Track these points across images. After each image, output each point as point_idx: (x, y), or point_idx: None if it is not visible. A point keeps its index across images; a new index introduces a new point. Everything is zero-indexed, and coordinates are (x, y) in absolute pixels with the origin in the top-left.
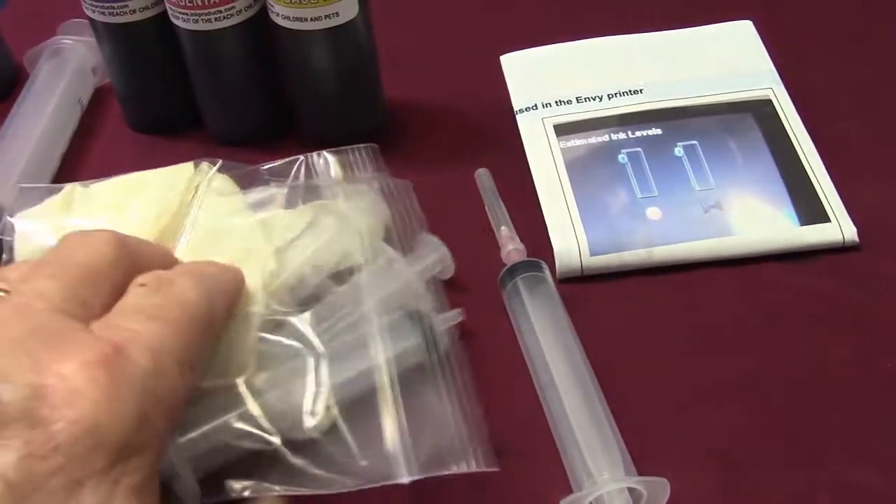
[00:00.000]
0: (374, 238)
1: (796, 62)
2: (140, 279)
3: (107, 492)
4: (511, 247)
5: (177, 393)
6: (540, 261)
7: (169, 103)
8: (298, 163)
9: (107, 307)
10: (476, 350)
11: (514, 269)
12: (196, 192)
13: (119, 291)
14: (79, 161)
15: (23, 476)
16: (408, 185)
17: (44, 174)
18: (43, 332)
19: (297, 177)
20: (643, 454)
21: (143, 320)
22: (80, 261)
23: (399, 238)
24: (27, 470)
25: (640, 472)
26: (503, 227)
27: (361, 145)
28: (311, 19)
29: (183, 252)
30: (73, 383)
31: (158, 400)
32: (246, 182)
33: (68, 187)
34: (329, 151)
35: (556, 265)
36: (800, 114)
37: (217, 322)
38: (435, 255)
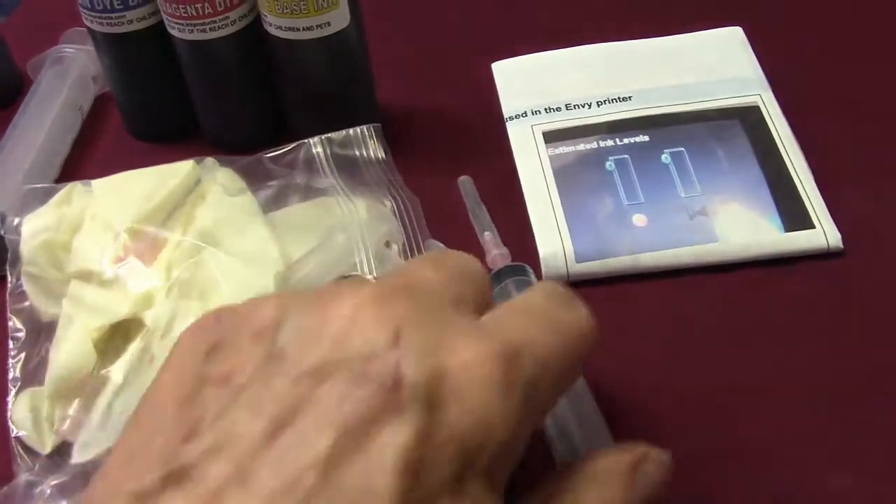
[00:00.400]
0: (379, 246)
1: (785, 69)
2: (546, 285)
3: (482, 494)
4: (495, 251)
5: (537, 418)
6: (525, 265)
7: (167, 111)
8: (301, 149)
9: (480, 311)
10: None
11: (501, 274)
12: (199, 184)
13: (485, 301)
14: (79, 167)
15: (419, 458)
16: (416, 200)
17: (45, 180)
18: (439, 316)
19: (300, 168)
20: None
21: (540, 328)
22: (455, 262)
23: (404, 247)
24: (424, 452)
25: None
26: (486, 233)
27: (364, 125)
28: (304, 29)
29: (181, 246)
30: (471, 372)
31: (531, 415)
32: (249, 174)
33: (69, 185)
34: (332, 133)
35: (543, 271)
36: (787, 120)
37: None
38: None
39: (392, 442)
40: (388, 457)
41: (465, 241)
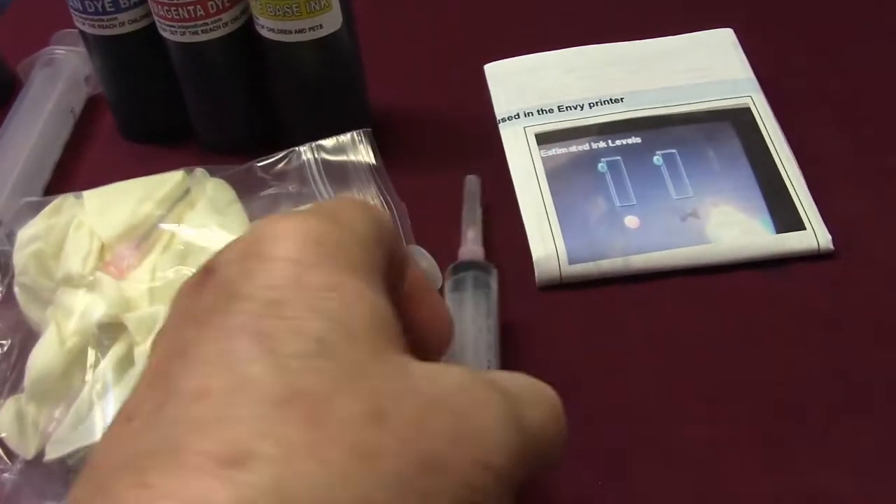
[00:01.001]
0: None
1: (776, 70)
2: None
3: None
4: (471, 245)
5: None
6: (491, 266)
7: (160, 113)
8: (292, 156)
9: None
10: None
11: (465, 266)
12: (187, 193)
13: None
14: (72, 169)
15: None
16: (402, 206)
17: (37, 182)
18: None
19: (291, 177)
20: (620, 460)
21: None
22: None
23: None
24: None
25: (617, 477)
26: (471, 229)
27: (354, 131)
28: (296, 31)
29: (163, 259)
30: None
31: None
32: (241, 183)
33: (61, 197)
34: (323, 140)
35: (536, 273)
36: (778, 122)
37: None
38: (422, 265)
39: None
40: None
41: (453, 245)
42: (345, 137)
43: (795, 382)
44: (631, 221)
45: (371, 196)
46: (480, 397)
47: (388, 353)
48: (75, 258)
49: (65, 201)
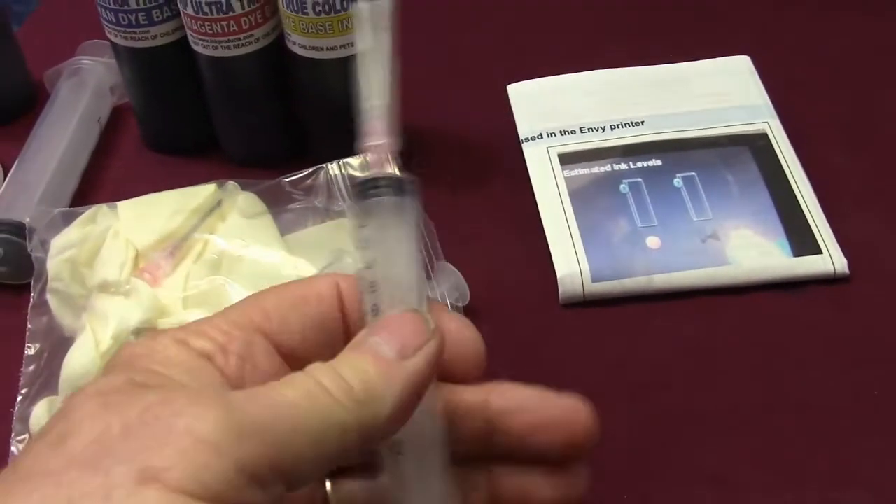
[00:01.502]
0: None
1: (791, 97)
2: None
3: None
4: (378, 140)
5: None
6: (410, 184)
7: (186, 125)
8: (320, 173)
9: None
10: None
11: (373, 185)
12: (219, 205)
13: None
14: (98, 179)
15: None
16: (429, 223)
17: (65, 191)
18: None
19: (319, 192)
20: (640, 476)
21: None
22: None
23: None
24: None
25: (640, 491)
26: (376, 102)
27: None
28: (327, 48)
29: (196, 268)
30: None
31: None
32: (270, 197)
33: (95, 207)
34: (349, 157)
35: (560, 290)
36: (794, 148)
37: None
38: (450, 283)
39: None
40: None
41: (482, 264)
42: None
43: (813, 401)
44: (652, 242)
45: None
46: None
47: None
48: (112, 266)
49: (98, 211)
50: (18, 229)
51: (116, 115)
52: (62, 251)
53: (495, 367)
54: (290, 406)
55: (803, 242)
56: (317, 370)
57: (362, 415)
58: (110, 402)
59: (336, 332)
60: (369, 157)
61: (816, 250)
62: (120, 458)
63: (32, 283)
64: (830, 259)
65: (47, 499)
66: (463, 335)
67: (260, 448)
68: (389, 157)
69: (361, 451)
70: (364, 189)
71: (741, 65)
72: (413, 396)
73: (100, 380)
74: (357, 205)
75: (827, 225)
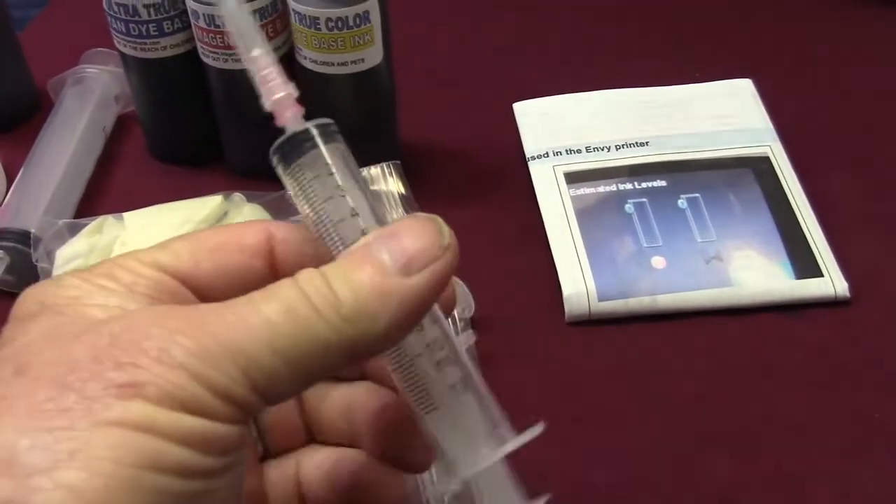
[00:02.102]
0: None
1: (793, 121)
2: None
3: None
4: (281, 92)
5: None
6: (332, 126)
7: (193, 136)
8: None
9: None
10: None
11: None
12: (225, 217)
13: None
14: (103, 188)
15: None
16: None
17: (70, 200)
18: None
19: None
20: (643, 497)
21: None
22: None
23: None
24: None
25: None
26: (262, 61)
27: (384, 163)
28: (338, 64)
29: None
30: None
31: None
32: (274, 209)
33: (101, 218)
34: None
35: (566, 308)
36: (796, 171)
37: None
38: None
39: None
40: None
41: (488, 281)
42: (375, 169)
43: (814, 423)
44: (657, 262)
45: None
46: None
47: None
48: None
49: (105, 221)
50: (24, 238)
51: (121, 124)
52: (68, 261)
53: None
54: (265, 325)
55: (805, 265)
56: (305, 276)
57: (349, 333)
58: (62, 333)
59: (258, 286)
60: (283, 113)
61: (818, 273)
62: (92, 377)
63: None
64: (831, 282)
65: (21, 420)
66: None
67: (233, 371)
68: (294, 104)
69: (347, 366)
70: (301, 141)
71: (743, 88)
72: (411, 318)
73: (29, 324)
74: (301, 158)
75: (828, 248)
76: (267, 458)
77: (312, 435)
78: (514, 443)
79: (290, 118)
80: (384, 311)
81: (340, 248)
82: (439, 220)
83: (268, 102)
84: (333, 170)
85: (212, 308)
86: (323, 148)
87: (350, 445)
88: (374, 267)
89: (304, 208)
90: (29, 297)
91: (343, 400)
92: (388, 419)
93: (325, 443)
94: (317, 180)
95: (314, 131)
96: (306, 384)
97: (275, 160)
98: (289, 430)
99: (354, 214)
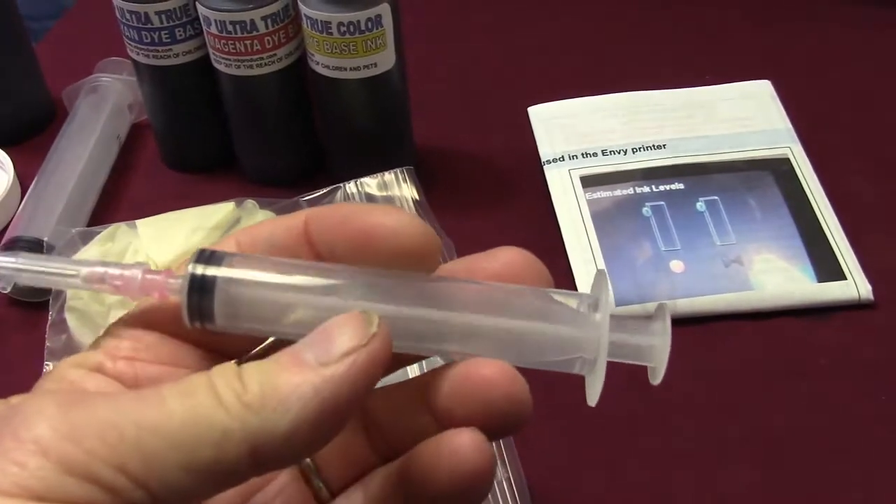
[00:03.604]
0: None
1: (812, 122)
2: None
3: None
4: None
5: None
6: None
7: (206, 143)
8: (337, 192)
9: None
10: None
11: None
12: (237, 223)
13: None
14: (116, 196)
15: None
16: (450, 244)
17: (84, 208)
18: None
19: None
20: (665, 501)
21: None
22: None
23: None
24: None
25: None
26: (90, 266)
27: (398, 169)
28: (350, 69)
29: None
30: None
31: None
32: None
33: (114, 225)
34: (366, 178)
35: None
36: (816, 173)
37: None
38: None
39: None
40: None
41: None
42: (389, 175)
43: (837, 428)
44: (676, 266)
45: None
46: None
47: None
48: None
49: (118, 229)
50: (37, 246)
51: (135, 132)
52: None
53: None
54: (155, 404)
55: (827, 268)
56: (218, 370)
57: (252, 423)
58: None
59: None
60: (158, 287)
61: (840, 276)
62: None
63: (51, 302)
64: (855, 285)
65: None
66: (501, 382)
67: (99, 448)
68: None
69: (256, 469)
70: (200, 291)
71: (762, 89)
72: (328, 414)
73: None
74: (214, 305)
75: (850, 250)
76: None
77: (381, 452)
78: (605, 296)
79: (166, 282)
80: (295, 402)
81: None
82: (372, 313)
83: (136, 291)
84: (242, 286)
85: (114, 393)
86: (221, 277)
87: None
88: (291, 359)
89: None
90: (36, 388)
91: (412, 390)
92: (473, 376)
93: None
94: (245, 307)
95: (199, 270)
96: (207, 482)
97: (198, 325)
98: (350, 461)
99: (292, 308)
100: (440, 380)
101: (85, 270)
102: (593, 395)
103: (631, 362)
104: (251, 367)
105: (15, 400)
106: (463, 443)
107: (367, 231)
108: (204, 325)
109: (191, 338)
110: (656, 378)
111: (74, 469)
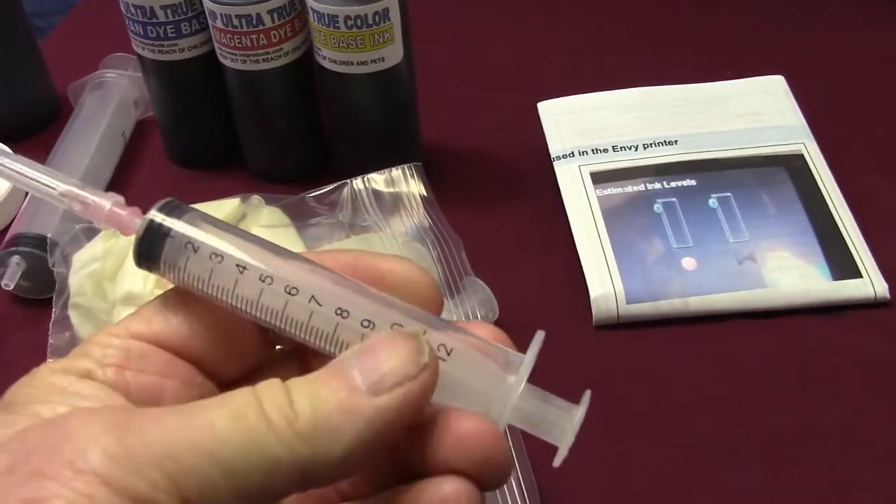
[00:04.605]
0: None
1: (826, 118)
2: None
3: None
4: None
5: None
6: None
7: (211, 139)
8: (344, 188)
9: None
10: None
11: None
12: (243, 219)
13: None
14: (122, 192)
15: None
16: (457, 239)
17: None
18: None
19: (343, 206)
20: (677, 498)
21: None
22: None
23: (443, 283)
24: None
25: None
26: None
27: (405, 165)
28: (358, 63)
29: None
30: None
31: None
32: (293, 212)
33: None
34: (374, 174)
35: (594, 311)
36: (831, 169)
37: None
38: (478, 297)
39: None
40: None
41: (513, 282)
42: (396, 171)
43: (854, 429)
44: (688, 263)
45: (423, 229)
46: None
47: None
48: (136, 278)
49: None
50: (41, 243)
51: (140, 128)
52: (85, 265)
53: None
54: (206, 429)
55: (843, 265)
56: (264, 385)
57: (303, 453)
58: None
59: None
60: (121, 221)
61: (856, 274)
62: (2, 491)
63: (54, 299)
64: (871, 283)
65: None
66: (481, 440)
67: (157, 477)
68: (125, 207)
69: (302, 490)
70: (154, 235)
71: (775, 84)
72: (377, 442)
73: None
74: (163, 251)
75: (866, 248)
76: None
77: (342, 491)
78: (528, 360)
79: (129, 220)
80: (345, 433)
81: (253, 312)
82: (421, 335)
83: (102, 220)
84: (199, 241)
85: (154, 410)
86: (176, 227)
87: (391, 484)
88: (340, 382)
89: (200, 293)
90: (8, 393)
91: None
92: (456, 432)
93: (359, 492)
94: (191, 262)
95: (158, 217)
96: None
97: (143, 267)
98: (309, 498)
99: (243, 269)
100: (417, 429)
101: (63, 187)
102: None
103: (536, 435)
104: (299, 387)
105: (46, 413)
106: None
107: (378, 275)
108: (150, 269)
109: (181, 351)
110: (557, 461)
111: (137, 500)
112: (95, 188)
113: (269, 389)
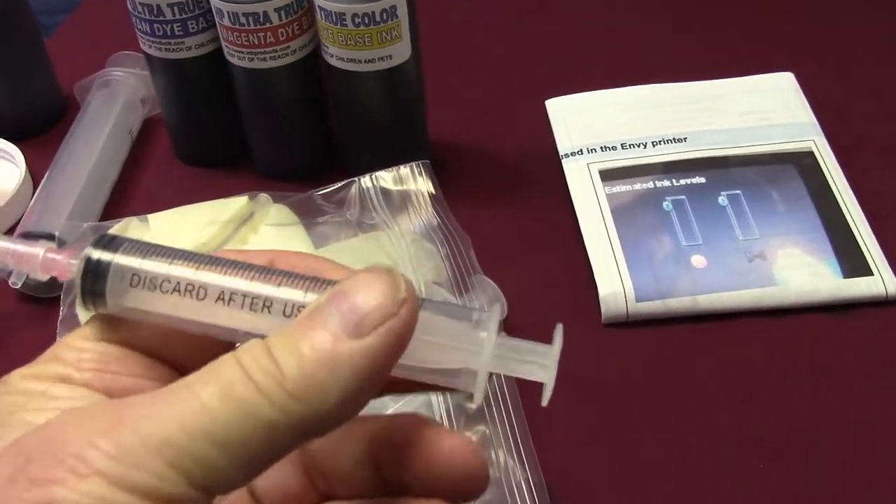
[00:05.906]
0: (427, 282)
1: (836, 115)
2: None
3: None
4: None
5: None
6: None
7: (218, 138)
8: (352, 186)
9: None
10: (524, 387)
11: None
12: (251, 217)
13: None
14: (128, 191)
15: None
16: (465, 237)
17: (96, 203)
18: None
19: (351, 204)
20: (686, 497)
21: None
22: None
23: (452, 282)
24: None
25: None
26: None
27: (413, 163)
28: (365, 61)
29: None
30: None
31: None
32: (301, 210)
33: (125, 220)
34: (382, 171)
35: (602, 310)
36: (841, 166)
37: None
38: (487, 296)
39: None
40: None
41: (522, 280)
42: (404, 169)
43: (866, 427)
44: (698, 261)
45: (432, 228)
46: None
47: None
48: None
49: (129, 223)
50: (48, 241)
51: (147, 127)
52: None
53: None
54: (200, 412)
55: (853, 263)
56: (245, 350)
57: (298, 412)
58: None
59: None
60: (57, 265)
61: (867, 271)
62: (6, 501)
63: (62, 297)
64: (882, 280)
65: None
66: (460, 458)
67: (160, 467)
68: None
69: (304, 443)
70: (95, 273)
71: (784, 82)
72: (367, 386)
73: None
74: (107, 286)
75: (877, 245)
76: None
77: (322, 492)
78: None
79: (66, 263)
80: (335, 382)
81: (205, 331)
82: (395, 271)
83: (38, 269)
84: (137, 272)
85: (143, 399)
86: (114, 262)
87: (374, 494)
88: (323, 332)
89: (150, 319)
90: None
91: (359, 444)
92: (435, 451)
93: (340, 498)
94: (134, 289)
95: (94, 254)
96: (257, 471)
97: (89, 306)
98: (289, 497)
99: (188, 291)
100: (393, 441)
101: None
102: (478, 397)
103: (519, 376)
104: (280, 344)
105: (36, 419)
106: None
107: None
108: (97, 308)
109: (155, 353)
110: (545, 399)
111: (147, 493)
112: (28, 241)
113: (252, 352)
